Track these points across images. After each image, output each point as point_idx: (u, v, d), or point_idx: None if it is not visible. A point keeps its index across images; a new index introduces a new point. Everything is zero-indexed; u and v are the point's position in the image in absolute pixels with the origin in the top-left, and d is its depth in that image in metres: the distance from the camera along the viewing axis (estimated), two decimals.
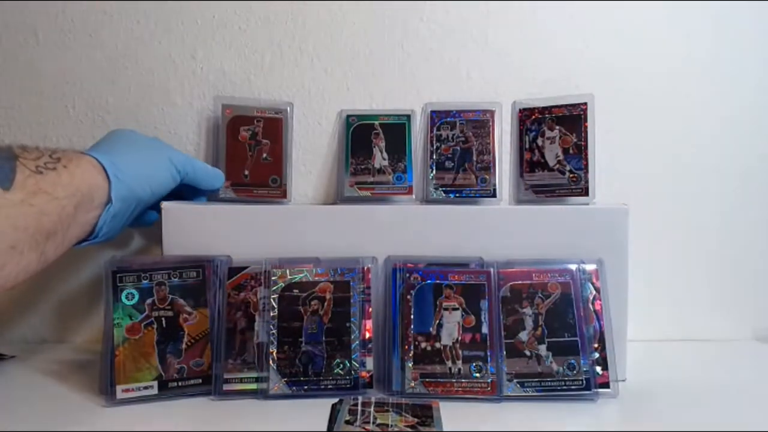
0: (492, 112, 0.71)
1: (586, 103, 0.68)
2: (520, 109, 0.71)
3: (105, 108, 0.75)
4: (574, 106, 0.69)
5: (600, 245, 0.63)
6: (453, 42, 0.75)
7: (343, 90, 0.75)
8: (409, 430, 0.49)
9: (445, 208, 0.65)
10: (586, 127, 0.68)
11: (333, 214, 0.65)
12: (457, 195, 0.69)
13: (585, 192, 0.67)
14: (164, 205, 0.63)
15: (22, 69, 0.75)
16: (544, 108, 0.70)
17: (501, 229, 0.64)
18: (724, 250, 0.78)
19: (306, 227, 0.64)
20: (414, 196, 0.70)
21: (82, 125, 0.75)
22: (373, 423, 0.49)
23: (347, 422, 0.49)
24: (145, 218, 0.67)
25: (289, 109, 0.72)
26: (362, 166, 0.70)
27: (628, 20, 0.75)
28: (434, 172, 0.70)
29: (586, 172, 0.67)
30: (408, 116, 0.72)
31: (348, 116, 0.72)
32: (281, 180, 0.70)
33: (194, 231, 0.64)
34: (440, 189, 0.69)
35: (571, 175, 0.68)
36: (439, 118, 0.71)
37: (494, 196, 0.69)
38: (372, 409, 0.51)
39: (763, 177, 0.77)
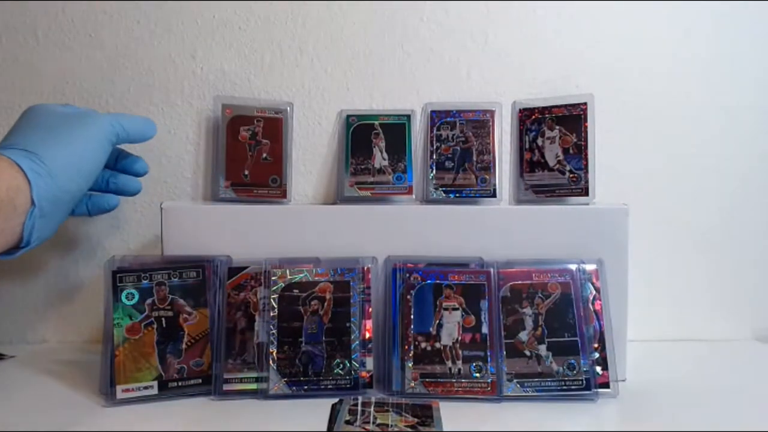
0: (492, 112, 0.71)
1: (586, 103, 0.68)
2: (520, 109, 0.71)
3: (105, 108, 0.75)
4: (574, 106, 0.69)
5: (600, 245, 0.63)
6: (453, 42, 0.75)
7: (343, 90, 0.75)
8: (409, 430, 0.48)
9: (445, 208, 0.65)
10: (586, 127, 0.68)
11: (333, 214, 0.65)
12: (457, 195, 0.69)
13: (585, 192, 0.67)
14: (164, 205, 0.63)
15: (22, 69, 0.75)
16: (544, 108, 0.70)
17: (501, 229, 0.64)
18: (724, 250, 0.78)
19: (306, 227, 0.64)
20: (414, 196, 0.70)
21: None
22: (373, 423, 0.49)
23: (347, 422, 0.49)
24: (103, 204, 0.62)
25: (289, 109, 0.72)
26: (362, 166, 0.70)
27: (628, 20, 0.75)
28: (434, 172, 0.70)
29: (586, 172, 0.67)
30: (408, 116, 0.72)
31: (348, 116, 0.72)
32: (281, 180, 0.70)
33: (194, 231, 0.63)
34: (440, 189, 0.69)
35: (571, 175, 0.68)
36: (439, 118, 0.71)
37: (494, 196, 0.69)
38: (372, 409, 0.51)
39: (763, 177, 0.77)
